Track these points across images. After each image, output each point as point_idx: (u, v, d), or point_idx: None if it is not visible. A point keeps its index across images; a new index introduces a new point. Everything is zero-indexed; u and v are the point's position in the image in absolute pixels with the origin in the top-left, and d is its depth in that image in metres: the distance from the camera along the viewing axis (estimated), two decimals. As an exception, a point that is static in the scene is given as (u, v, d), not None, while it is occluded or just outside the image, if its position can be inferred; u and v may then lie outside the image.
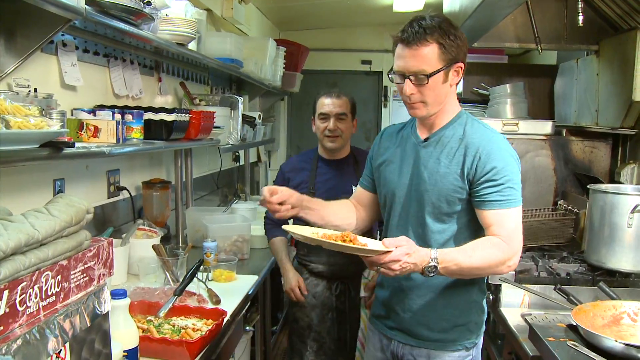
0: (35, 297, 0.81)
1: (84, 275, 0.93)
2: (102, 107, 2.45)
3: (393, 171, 2.02)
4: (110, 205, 2.79)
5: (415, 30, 1.79)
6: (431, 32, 1.78)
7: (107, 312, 0.99)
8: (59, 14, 1.79)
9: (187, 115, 2.64)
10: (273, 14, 5.81)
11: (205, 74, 4.03)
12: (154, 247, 2.44)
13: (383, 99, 6.98)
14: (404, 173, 1.98)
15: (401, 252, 1.66)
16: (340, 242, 1.70)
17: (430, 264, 1.70)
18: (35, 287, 0.81)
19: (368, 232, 2.33)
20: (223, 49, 3.53)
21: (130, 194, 2.86)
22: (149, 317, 1.93)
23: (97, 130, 2.09)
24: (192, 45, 3.04)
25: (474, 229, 1.90)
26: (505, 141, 1.88)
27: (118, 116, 2.27)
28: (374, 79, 7.01)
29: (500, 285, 2.35)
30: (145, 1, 2.30)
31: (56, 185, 2.30)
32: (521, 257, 2.68)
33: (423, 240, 1.90)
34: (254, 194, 5.32)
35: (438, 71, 1.80)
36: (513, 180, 1.82)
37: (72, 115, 2.25)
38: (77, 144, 1.89)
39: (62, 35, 2.26)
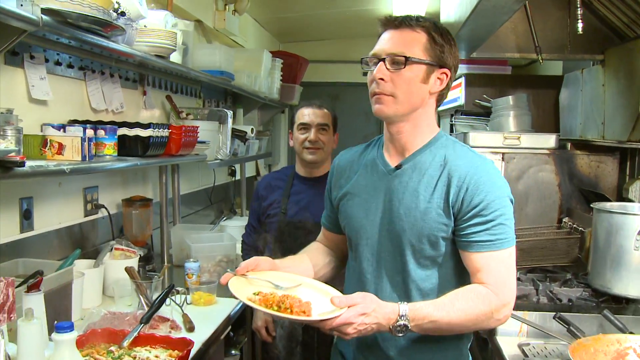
0: None
1: (-28, 322, 0.79)
2: (75, 122, 2.33)
3: (357, 206, 1.71)
4: (88, 224, 2.66)
5: (407, 16, 1.60)
6: (424, 22, 1.59)
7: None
8: (11, 24, 1.68)
9: (165, 130, 2.51)
10: (271, 25, 5.70)
11: (197, 87, 3.91)
12: (126, 269, 2.30)
13: (386, 112, 6.83)
14: (373, 209, 1.67)
15: (354, 312, 1.39)
16: (273, 312, 1.42)
17: (398, 323, 1.44)
18: None
19: None
20: (212, 61, 3.42)
21: (108, 212, 2.74)
22: (112, 347, 1.80)
23: (61, 147, 1.97)
24: (176, 58, 2.93)
25: (464, 274, 1.62)
26: (495, 168, 1.61)
27: (90, 132, 2.15)
28: (377, 91, 6.87)
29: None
30: (119, 12, 2.19)
31: (23, 205, 2.18)
32: (521, 279, 2.56)
33: (403, 291, 1.63)
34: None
35: (420, 61, 1.56)
36: (505, 215, 1.54)
37: (41, 131, 2.13)
38: (36, 163, 1.77)
39: (30, 47, 2.15)
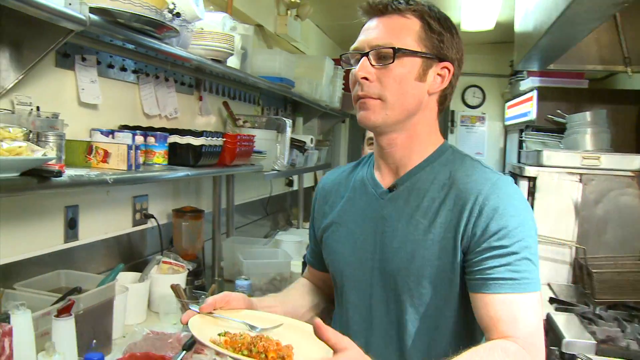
0: None
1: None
2: (125, 127, 2.23)
3: (343, 239, 1.40)
4: (137, 234, 2.55)
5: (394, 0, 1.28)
6: (416, 5, 1.27)
7: None
8: (58, 24, 1.57)
9: (219, 139, 2.38)
10: (334, 32, 5.55)
11: (256, 94, 3.78)
12: (172, 286, 2.17)
13: (450, 124, 6.58)
14: (360, 243, 1.35)
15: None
16: (242, 357, 1.07)
17: None
18: None
19: None
20: (272, 67, 3.28)
21: (157, 222, 2.62)
22: (149, 375, 1.66)
23: (107, 154, 1.85)
24: (234, 62, 2.80)
25: (477, 329, 1.27)
26: (516, 188, 1.26)
27: (140, 138, 2.04)
28: (441, 103, 6.64)
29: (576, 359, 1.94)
30: (174, 12, 2.07)
31: (68, 213, 2.08)
32: (603, 317, 2.29)
33: (396, 347, 1.30)
34: (308, 220, 5.03)
35: (412, 53, 1.24)
36: (530, 248, 1.18)
37: (90, 136, 2.03)
38: (79, 171, 1.66)
39: (82, 49, 2.05)
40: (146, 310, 2.31)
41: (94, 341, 1.80)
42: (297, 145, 3.57)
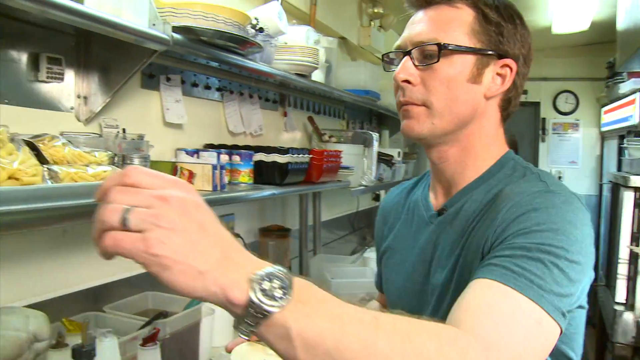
0: None
1: None
2: (210, 146, 2.20)
3: (397, 267, 1.23)
4: (224, 254, 2.52)
5: None
6: None
7: None
8: (143, 45, 1.56)
9: (306, 155, 2.31)
10: (420, 41, 5.42)
11: (341, 107, 3.71)
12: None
13: (541, 132, 6.27)
14: (410, 272, 1.17)
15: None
16: None
17: (265, 272, 0.66)
18: None
19: None
20: (357, 80, 3.21)
21: (244, 241, 2.58)
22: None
23: (191, 175, 1.82)
24: (319, 77, 2.74)
25: None
26: (572, 203, 0.95)
27: (225, 157, 2.00)
28: (530, 110, 6.38)
29: None
30: (257, 28, 2.03)
31: (154, 235, 2.07)
32: None
33: None
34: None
35: (462, 50, 1.04)
36: (560, 260, 0.87)
37: (175, 156, 2.02)
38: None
39: (166, 69, 2.04)
40: (232, 332, 2.27)
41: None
42: (384, 159, 3.46)
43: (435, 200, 1.19)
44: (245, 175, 2.06)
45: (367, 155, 3.13)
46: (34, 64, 1.54)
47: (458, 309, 0.84)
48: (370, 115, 4.29)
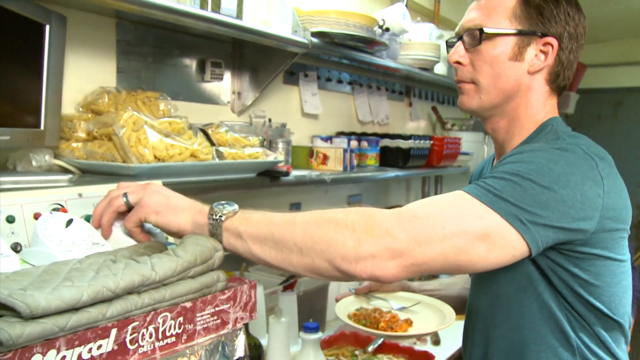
0: (150, 337, 0.81)
1: (215, 317, 0.91)
2: (341, 134, 2.51)
3: None
4: (351, 230, 2.82)
5: None
6: None
7: (240, 357, 0.95)
8: (286, 49, 1.88)
9: (427, 142, 2.56)
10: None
11: (465, 97, 3.88)
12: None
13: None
14: None
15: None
16: (360, 326, 1.42)
17: (211, 210, 1.02)
18: (150, 327, 0.81)
19: None
20: (479, 71, 3.36)
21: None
22: (357, 351, 1.89)
23: (325, 157, 2.13)
24: (441, 69, 2.95)
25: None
26: (568, 152, 1.06)
27: (354, 143, 2.30)
28: None
29: None
30: (383, 28, 2.30)
31: (292, 209, 2.41)
32: None
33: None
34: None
35: (502, 34, 1.17)
36: (524, 182, 0.99)
37: (311, 142, 2.34)
38: (302, 172, 1.96)
39: (304, 66, 2.37)
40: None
41: (310, 319, 2.09)
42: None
43: (494, 165, 1.32)
44: (372, 158, 2.35)
45: (487, 142, 3.29)
46: (201, 67, 1.92)
47: None
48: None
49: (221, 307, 0.92)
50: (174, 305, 0.84)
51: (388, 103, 2.95)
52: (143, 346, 0.81)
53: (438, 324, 1.36)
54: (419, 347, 1.97)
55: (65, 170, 1.41)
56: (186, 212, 1.03)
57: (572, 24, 1.20)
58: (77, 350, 0.73)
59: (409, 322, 1.42)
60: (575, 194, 1.01)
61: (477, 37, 1.18)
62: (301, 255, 0.96)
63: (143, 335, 0.80)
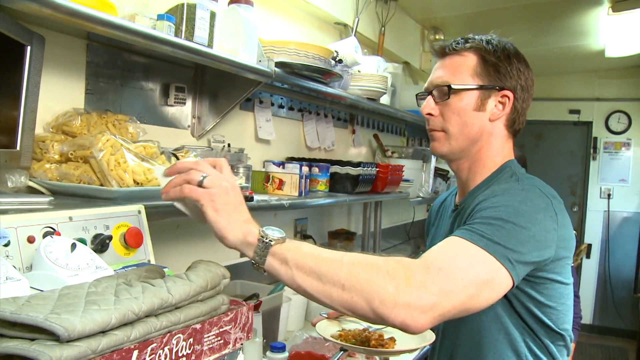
0: (165, 358, 0.85)
1: (219, 338, 0.95)
2: (292, 159, 2.58)
3: None
4: (297, 253, 2.89)
5: (455, 40, 1.42)
6: (473, 42, 1.39)
7: (240, 375, 1.00)
8: (252, 78, 1.94)
9: (374, 169, 2.67)
10: (477, 63, 5.70)
11: (402, 126, 4.06)
12: (330, 299, 2.47)
13: (592, 151, 6.43)
14: None
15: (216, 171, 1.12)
16: (350, 345, 1.46)
17: (263, 233, 1.08)
18: (166, 349, 0.85)
19: None
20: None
21: (315, 242, 2.95)
22: (314, 372, 1.94)
23: (281, 183, 2.20)
24: (384, 99, 3.09)
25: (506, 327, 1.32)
26: (529, 192, 1.26)
27: (305, 169, 2.37)
28: (583, 129, 6.55)
29: None
30: (337, 59, 2.40)
31: (245, 232, 2.45)
32: None
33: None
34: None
35: (467, 89, 1.36)
36: (506, 224, 1.15)
37: (263, 167, 2.40)
38: (260, 197, 2.01)
39: (260, 93, 2.43)
40: (304, 319, 2.63)
41: (265, 341, 2.13)
42: (440, 174, 3.78)
43: (457, 200, 1.52)
44: (322, 184, 2.43)
45: (425, 170, 3.46)
46: (165, 91, 1.95)
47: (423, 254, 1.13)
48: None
49: (224, 329, 0.97)
50: (186, 327, 0.89)
51: (334, 130, 3.05)
52: (159, 367, 0.85)
53: (418, 342, 1.45)
54: (372, 364, 2.05)
55: (34, 192, 1.40)
56: (240, 227, 1.08)
57: (523, 77, 1.40)
58: (104, 371, 0.76)
59: (393, 340, 1.52)
60: (541, 230, 1.19)
61: (445, 92, 1.37)
62: (342, 291, 1.03)
63: (159, 356, 0.84)
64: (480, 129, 1.39)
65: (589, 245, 6.41)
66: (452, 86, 1.37)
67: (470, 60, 1.38)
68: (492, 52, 1.38)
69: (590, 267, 6.49)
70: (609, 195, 6.43)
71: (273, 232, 1.08)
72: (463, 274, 1.07)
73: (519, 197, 1.23)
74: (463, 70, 1.38)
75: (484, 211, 1.20)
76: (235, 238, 1.08)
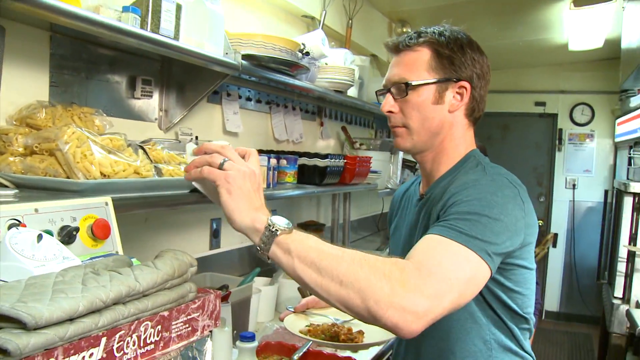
0: (134, 345, 0.86)
1: (187, 325, 0.97)
2: (260, 152, 2.59)
3: (396, 242, 1.59)
4: (267, 245, 2.90)
5: (408, 35, 1.42)
6: (426, 36, 1.39)
7: (209, 362, 1.02)
8: (218, 70, 1.95)
9: (341, 160, 2.69)
10: (444, 56, 5.77)
11: (370, 118, 4.09)
12: (299, 288, 2.49)
13: (557, 143, 6.57)
14: (404, 244, 1.50)
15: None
16: (320, 340, 1.47)
17: (270, 222, 1.11)
18: (134, 336, 0.86)
19: None
20: (385, 94, 3.57)
21: (285, 234, 2.97)
22: (283, 359, 1.97)
23: (249, 175, 2.20)
24: (352, 91, 3.11)
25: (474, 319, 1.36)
26: (496, 182, 1.29)
27: (274, 161, 2.38)
28: (548, 121, 6.69)
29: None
30: (304, 52, 2.41)
31: (213, 225, 2.46)
32: None
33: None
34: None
35: (425, 84, 1.38)
36: (481, 218, 1.18)
37: (232, 159, 2.40)
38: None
39: (227, 86, 2.44)
40: (274, 310, 2.65)
41: (235, 332, 2.14)
42: (408, 165, 3.83)
43: (421, 189, 1.54)
44: (290, 176, 2.44)
45: (392, 161, 3.50)
46: (131, 84, 1.95)
47: (408, 254, 1.14)
48: (396, 125, 4.65)
49: (192, 316, 0.98)
50: (154, 315, 0.90)
51: (302, 122, 3.07)
52: (127, 353, 0.86)
53: (387, 334, 1.46)
54: (340, 353, 2.08)
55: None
56: (250, 213, 1.14)
57: (478, 66, 1.42)
58: (73, 358, 0.77)
59: (362, 333, 1.53)
60: (512, 219, 1.23)
61: (403, 89, 1.39)
62: (340, 286, 1.06)
63: (128, 343, 0.85)
64: (441, 122, 1.42)
65: (555, 235, 6.55)
66: (410, 82, 1.38)
67: (424, 54, 1.39)
68: (445, 44, 1.39)
69: (557, 256, 6.64)
70: (574, 185, 6.58)
71: (280, 221, 1.12)
72: (451, 275, 1.10)
73: (490, 189, 1.26)
74: (418, 66, 1.39)
75: (458, 206, 1.23)
76: (243, 222, 1.14)
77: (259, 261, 2.81)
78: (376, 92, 1.54)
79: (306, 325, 1.59)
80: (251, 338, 1.60)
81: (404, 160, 3.71)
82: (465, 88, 1.41)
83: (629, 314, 2.78)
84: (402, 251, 1.43)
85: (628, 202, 3.16)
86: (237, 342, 1.61)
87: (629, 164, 4.40)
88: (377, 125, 4.24)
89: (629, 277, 3.10)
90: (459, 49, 1.40)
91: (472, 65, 1.41)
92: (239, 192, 1.13)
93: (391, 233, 1.69)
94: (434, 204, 1.37)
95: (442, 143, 1.44)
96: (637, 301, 3.03)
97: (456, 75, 1.40)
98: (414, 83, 1.38)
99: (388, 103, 1.42)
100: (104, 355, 0.81)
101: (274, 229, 1.11)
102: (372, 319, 1.06)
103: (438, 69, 1.39)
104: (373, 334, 1.51)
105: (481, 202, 1.22)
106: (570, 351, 5.79)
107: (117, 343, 0.83)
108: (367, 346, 1.47)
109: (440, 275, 1.08)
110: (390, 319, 1.03)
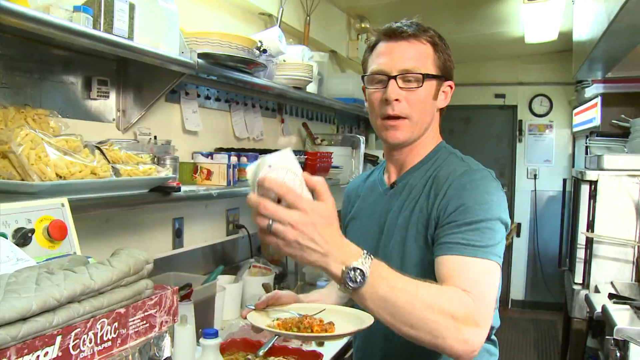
0: (90, 343, 0.87)
1: (144, 322, 0.97)
2: (220, 150, 2.59)
3: (357, 231, 1.57)
4: (230, 243, 2.91)
5: (409, 25, 1.40)
6: (427, 31, 1.41)
7: (168, 357, 1.03)
8: (175, 69, 1.95)
9: (302, 156, 2.72)
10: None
11: (331, 114, 4.12)
12: (263, 285, 2.51)
13: (518, 134, 6.71)
14: (370, 233, 1.51)
15: (307, 212, 1.02)
16: (293, 333, 1.39)
17: (355, 264, 1.02)
18: (90, 333, 0.87)
19: None
20: (345, 89, 3.61)
21: (248, 232, 2.98)
22: (249, 356, 1.98)
23: (209, 173, 2.21)
24: (312, 88, 3.13)
25: None
26: (488, 179, 1.35)
27: (234, 159, 2.39)
28: (508, 113, 6.81)
29: (628, 343, 2.12)
30: (261, 49, 2.42)
31: (175, 224, 2.46)
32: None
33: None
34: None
35: (434, 77, 1.40)
36: (486, 223, 1.25)
37: (192, 158, 2.41)
38: (188, 187, 2.02)
39: (185, 85, 2.44)
40: (239, 308, 2.66)
41: (200, 330, 2.15)
42: (370, 159, 3.87)
43: (389, 179, 1.54)
44: (251, 173, 2.46)
45: (354, 156, 3.54)
46: (87, 85, 1.93)
47: (444, 282, 1.20)
48: (357, 121, 4.69)
49: (149, 312, 0.99)
50: (110, 312, 0.91)
51: (262, 120, 3.07)
52: (84, 351, 0.86)
53: (358, 324, 1.45)
54: (306, 347, 2.10)
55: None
56: (320, 264, 1.04)
57: (453, 66, 1.47)
58: (27, 358, 0.77)
59: (332, 325, 1.52)
60: (504, 213, 1.31)
61: (420, 79, 1.38)
62: (411, 329, 1.10)
63: (84, 340, 0.86)
64: (431, 117, 1.45)
65: (519, 225, 6.68)
66: (427, 74, 1.39)
67: (429, 48, 1.41)
68: (441, 41, 1.43)
69: (521, 246, 6.77)
70: (535, 175, 6.71)
71: (355, 276, 1.03)
72: (491, 296, 1.20)
73: (485, 188, 1.31)
74: (427, 59, 1.40)
75: (464, 214, 1.27)
76: (337, 273, 1.04)
77: (221, 259, 2.82)
78: (363, 76, 1.49)
79: (273, 320, 1.57)
80: (214, 335, 1.60)
81: (366, 155, 3.75)
82: (451, 87, 1.47)
83: (587, 299, 2.86)
84: (367, 241, 1.46)
85: (585, 190, 3.24)
86: (200, 340, 1.62)
87: (586, 152, 4.52)
88: (339, 121, 4.27)
89: (588, 263, 3.19)
90: (447, 46, 1.45)
91: (453, 65, 1.46)
92: (298, 252, 1.01)
93: (346, 226, 1.67)
94: (419, 192, 1.40)
95: (423, 136, 1.46)
96: (596, 286, 3.12)
97: (447, 74, 1.44)
98: (429, 75, 1.39)
99: (396, 90, 1.37)
100: (60, 354, 0.82)
101: (359, 280, 1.03)
102: (435, 348, 1.13)
103: (439, 65, 1.42)
104: (343, 325, 1.51)
105: (482, 206, 1.28)
106: (536, 338, 5.92)
107: (73, 341, 0.84)
108: (340, 337, 1.47)
109: (487, 302, 1.18)
110: (455, 351, 1.11)
